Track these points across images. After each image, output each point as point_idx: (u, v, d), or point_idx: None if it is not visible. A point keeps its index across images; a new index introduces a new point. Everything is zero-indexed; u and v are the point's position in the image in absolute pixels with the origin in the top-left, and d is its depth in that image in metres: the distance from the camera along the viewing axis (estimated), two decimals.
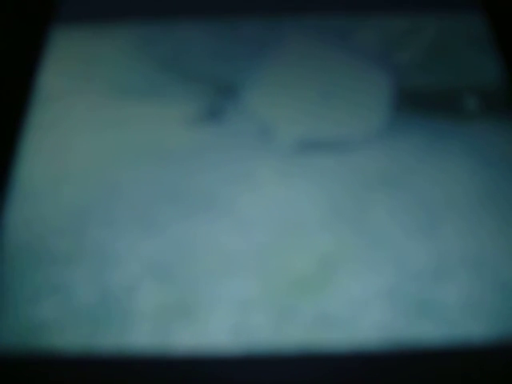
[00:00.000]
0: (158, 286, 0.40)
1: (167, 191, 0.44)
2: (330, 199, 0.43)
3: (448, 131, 0.46)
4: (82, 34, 0.53)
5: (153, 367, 0.37)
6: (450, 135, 0.46)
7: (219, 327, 0.38)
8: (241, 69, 0.50)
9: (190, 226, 0.42)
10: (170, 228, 0.42)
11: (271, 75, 0.49)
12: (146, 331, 0.38)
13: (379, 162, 0.45)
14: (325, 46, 0.51)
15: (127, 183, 0.44)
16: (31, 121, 0.47)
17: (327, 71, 0.49)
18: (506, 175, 0.44)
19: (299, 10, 0.54)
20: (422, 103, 0.48)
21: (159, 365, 0.37)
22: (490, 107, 0.48)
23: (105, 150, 0.46)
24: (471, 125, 0.47)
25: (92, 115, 0.48)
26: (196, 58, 0.51)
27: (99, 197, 0.43)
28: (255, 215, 0.42)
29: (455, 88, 0.49)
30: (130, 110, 0.48)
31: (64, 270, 0.40)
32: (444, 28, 0.52)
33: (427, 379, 0.37)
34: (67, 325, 0.38)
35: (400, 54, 0.50)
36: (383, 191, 0.44)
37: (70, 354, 0.37)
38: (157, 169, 0.45)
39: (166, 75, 0.50)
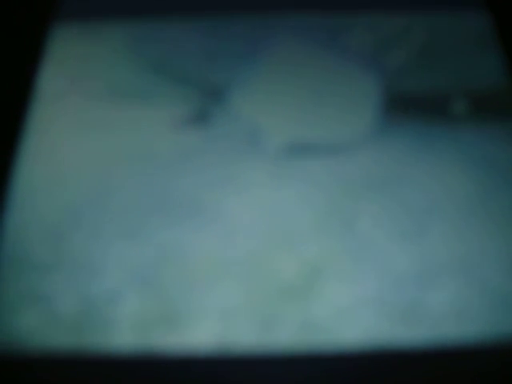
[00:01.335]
0: (142, 295, 0.40)
1: (154, 196, 0.43)
2: (317, 205, 0.43)
3: (438, 135, 0.46)
4: (75, 36, 0.52)
5: (136, 374, 0.37)
6: (439, 139, 0.46)
7: (204, 335, 0.38)
8: (230, 70, 0.50)
9: (176, 233, 0.42)
10: (156, 235, 0.42)
11: (260, 77, 0.49)
12: (130, 340, 0.38)
13: (368, 166, 0.45)
14: (315, 47, 0.51)
15: (115, 189, 0.44)
16: (27, 123, 0.47)
17: (317, 73, 0.49)
18: (495, 180, 0.44)
19: (290, 10, 0.53)
20: (413, 106, 0.47)
21: (142, 372, 0.37)
22: (481, 111, 0.47)
23: (91, 154, 0.46)
24: (461, 129, 0.46)
25: (81, 119, 0.47)
26: (186, 59, 0.51)
27: (85, 204, 0.43)
28: (242, 221, 0.42)
29: (446, 91, 0.48)
30: (118, 112, 0.48)
31: (47, 277, 0.40)
32: (438, 28, 0.52)
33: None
34: (50, 334, 0.38)
35: (391, 56, 0.50)
36: (371, 197, 0.43)
37: (54, 357, 0.37)
38: (144, 173, 0.45)
39: (156, 76, 0.50)
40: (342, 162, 0.45)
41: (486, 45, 0.50)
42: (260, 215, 0.42)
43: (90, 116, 0.48)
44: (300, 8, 0.53)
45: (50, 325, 0.38)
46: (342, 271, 0.40)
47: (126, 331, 0.38)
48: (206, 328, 0.38)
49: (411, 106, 0.47)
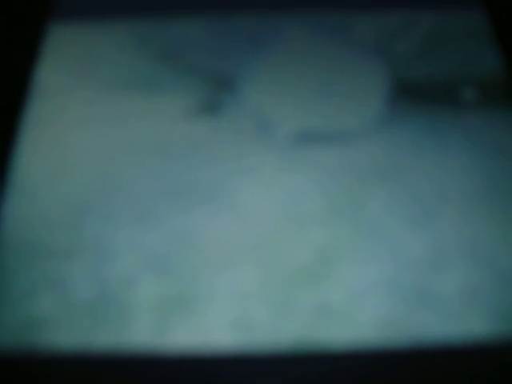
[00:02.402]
0: (156, 280, 0.40)
1: (166, 185, 0.44)
2: (328, 192, 0.43)
3: (445, 123, 0.46)
4: (78, 31, 0.53)
5: (151, 364, 0.37)
6: (447, 127, 0.46)
7: (218, 320, 0.38)
8: (238, 64, 0.50)
9: (189, 219, 0.42)
10: (169, 222, 0.42)
11: (269, 70, 0.50)
12: (145, 325, 0.38)
13: (377, 154, 0.45)
14: (322, 41, 0.51)
15: (126, 177, 0.44)
16: (28, 117, 0.47)
17: (325, 65, 0.49)
18: (502, 167, 0.44)
19: (297, 5, 0.54)
20: (420, 95, 0.48)
21: (157, 362, 0.37)
22: (487, 99, 0.48)
23: (103, 145, 0.46)
24: (468, 117, 0.47)
25: (89, 111, 0.48)
26: (194, 54, 0.51)
27: (97, 191, 0.44)
28: (254, 208, 0.43)
29: (453, 80, 0.49)
30: (127, 105, 0.48)
31: (62, 264, 0.40)
32: (442, 21, 0.52)
33: (429, 371, 0.37)
34: (65, 320, 0.38)
35: (397, 46, 0.50)
36: (380, 184, 0.44)
37: (67, 351, 0.37)
38: (155, 163, 0.45)
39: (163, 71, 0.50)
40: (353, 151, 0.45)
41: (484, 39, 0.51)
42: (272, 201, 0.43)
43: (96, 109, 0.48)
44: (305, 6, 0.54)
45: (64, 311, 0.39)
46: (354, 256, 0.40)
47: (142, 316, 0.38)
48: (221, 312, 0.39)
49: (418, 95, 0.48)
